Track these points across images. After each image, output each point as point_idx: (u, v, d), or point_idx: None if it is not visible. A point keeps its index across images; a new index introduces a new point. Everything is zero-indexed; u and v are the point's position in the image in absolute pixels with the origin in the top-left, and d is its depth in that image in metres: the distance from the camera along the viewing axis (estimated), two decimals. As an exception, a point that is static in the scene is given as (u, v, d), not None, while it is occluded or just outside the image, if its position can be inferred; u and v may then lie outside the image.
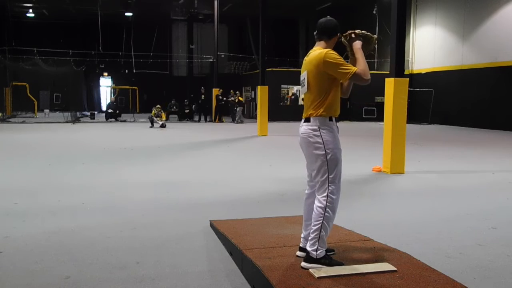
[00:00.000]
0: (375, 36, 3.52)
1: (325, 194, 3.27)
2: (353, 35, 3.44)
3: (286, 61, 29.06)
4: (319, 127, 3.31)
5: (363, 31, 3.49)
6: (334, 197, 3.29)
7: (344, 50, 3.53)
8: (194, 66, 34.87)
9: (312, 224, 3.31)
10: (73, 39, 30.70)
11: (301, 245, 3.56)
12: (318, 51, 3.36)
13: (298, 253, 3.54)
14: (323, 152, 3.28)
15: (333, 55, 3.28)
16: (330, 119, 3.34)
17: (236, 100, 23.53)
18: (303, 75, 3.43)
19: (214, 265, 3.76)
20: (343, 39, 3.47)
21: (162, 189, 6.69)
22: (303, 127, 3.39)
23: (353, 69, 3.25)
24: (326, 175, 3.27)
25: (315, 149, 3.31)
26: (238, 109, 23.56)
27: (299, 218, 4.75)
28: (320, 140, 3.29)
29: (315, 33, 3.48)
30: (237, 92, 23.92)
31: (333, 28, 3.43)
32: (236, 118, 23.37)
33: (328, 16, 3.52)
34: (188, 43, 35.11)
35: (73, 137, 14.99)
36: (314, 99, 3.35)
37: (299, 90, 24.73)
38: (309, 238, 3.32)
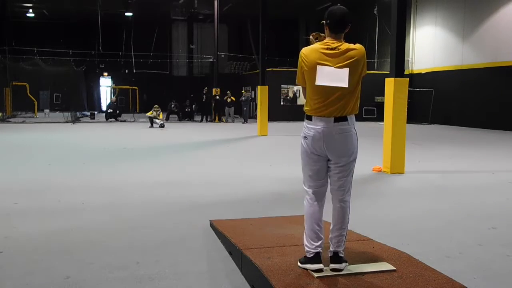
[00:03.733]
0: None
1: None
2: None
3: (286, 61, 29.04)
4: (354, 126, 3.24)
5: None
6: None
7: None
8: (194, 66, 34.86)
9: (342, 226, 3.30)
10: (73, 39, 30.67)
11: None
12: (355, 46, 3.19)
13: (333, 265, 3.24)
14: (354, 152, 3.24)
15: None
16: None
17: (229, 100, 23.70)
18: (344, 71, 3.12)
19: (214, 265, 3.76)
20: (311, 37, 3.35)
21: (162, 189, 6.69)
22: (340, 126, 3.16)
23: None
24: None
25: (350, 148, 3.20)
26: (226, 108, 23.88)
27: (299, 218, 4.74)
28: (353, 140, 3.23)
29: (331, 25, 3.18)
30: (228, 92, 24.01)
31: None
32: (226, 117, 23.86)
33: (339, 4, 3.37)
34: (188, 43, 35.11)
35: (73, 137, 14.99)
36: (352, 97, 3.19)
37: (300, 90, 24.80)
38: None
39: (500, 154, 11.32)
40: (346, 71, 3.11)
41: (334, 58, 3.13)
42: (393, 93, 8.37)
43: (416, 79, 23.33)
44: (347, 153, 3.19)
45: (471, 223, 5.12)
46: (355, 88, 3.18)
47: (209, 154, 11.24)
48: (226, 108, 23.90)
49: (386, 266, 3.32)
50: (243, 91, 26.20)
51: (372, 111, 25.27)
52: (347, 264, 3.27)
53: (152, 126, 19.31)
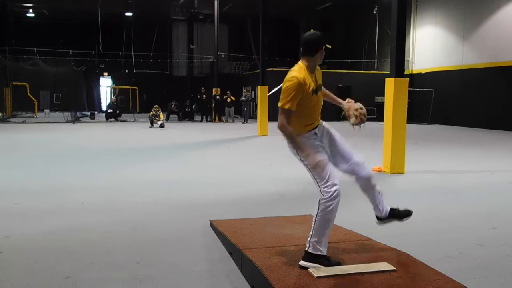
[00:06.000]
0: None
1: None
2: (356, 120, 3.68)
3: (286, 61, 29.03)
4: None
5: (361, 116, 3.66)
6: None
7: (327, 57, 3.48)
8: (194, 66, 34.86)
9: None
10: (73, 39, 30.69)
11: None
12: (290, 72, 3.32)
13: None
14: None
15: (289, 83, 3.22)
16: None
17: (229, 100, 23.75)
18: None
19: (214, 265, 3.76)
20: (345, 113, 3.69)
21: (162, 189, 6.69)
22: None
23: (285, 106, 3.18)
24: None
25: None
26: (226, 108, 23.99)
27: (299, 218, 4.76)
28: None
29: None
30: (228, 92, 24.05)
31: (315, 42, 3.26)
32: (226, 117, 23.96)
33: (312, 30, 3.37)
34: (188, 43, 35.11)
35: (73, 137, 14.99)
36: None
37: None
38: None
39: (500, 154, 11.32)
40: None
41: None
42: (393, 93, 8.37)
43: (416, 79, 23.33)
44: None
45: (471, 223, 5.12)
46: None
47: (209, 154, 11.24)
48: (226, 108, 23.93)
49: (386, 266, 3.32)
50: (244, 91, 26.24)
51: (372, 111, 25.22)
52: (319, 266, 3.21)
53: (152, 126, 19.31)
